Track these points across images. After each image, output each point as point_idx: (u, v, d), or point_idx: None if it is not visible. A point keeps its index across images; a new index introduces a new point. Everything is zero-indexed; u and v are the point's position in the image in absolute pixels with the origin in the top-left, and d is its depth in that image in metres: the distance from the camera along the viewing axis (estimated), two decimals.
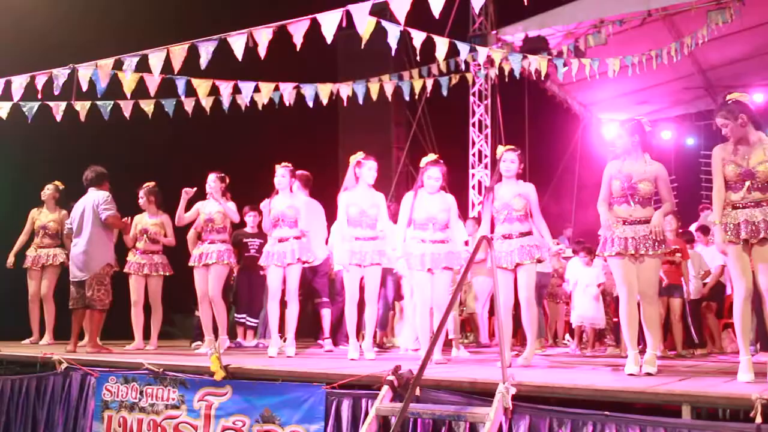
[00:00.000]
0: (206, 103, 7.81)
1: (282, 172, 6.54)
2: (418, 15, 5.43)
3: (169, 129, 8.92)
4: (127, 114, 7.86)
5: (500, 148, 5.75)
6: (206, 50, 5.82)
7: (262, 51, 5.70)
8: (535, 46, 10.99)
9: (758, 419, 3.25)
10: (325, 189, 7.97)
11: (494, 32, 12.04)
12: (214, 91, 7.53)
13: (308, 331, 8.35)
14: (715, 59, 12.66)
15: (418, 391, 4.08)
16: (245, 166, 7.42)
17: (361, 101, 8.80)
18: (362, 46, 5.50)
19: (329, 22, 5.44)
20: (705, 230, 8.47)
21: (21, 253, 8.15)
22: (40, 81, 6.64)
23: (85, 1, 10.26)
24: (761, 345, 7.22)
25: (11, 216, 8.99)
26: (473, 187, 13.04)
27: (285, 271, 6.35)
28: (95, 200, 6.82)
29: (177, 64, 5.99)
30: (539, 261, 5.49)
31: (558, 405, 3.85)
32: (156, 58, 6.01)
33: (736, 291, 4.39)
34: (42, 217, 8.11)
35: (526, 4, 7.09)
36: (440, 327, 3.66)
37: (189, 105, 8.07)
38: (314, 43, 5.61)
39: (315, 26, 5.55)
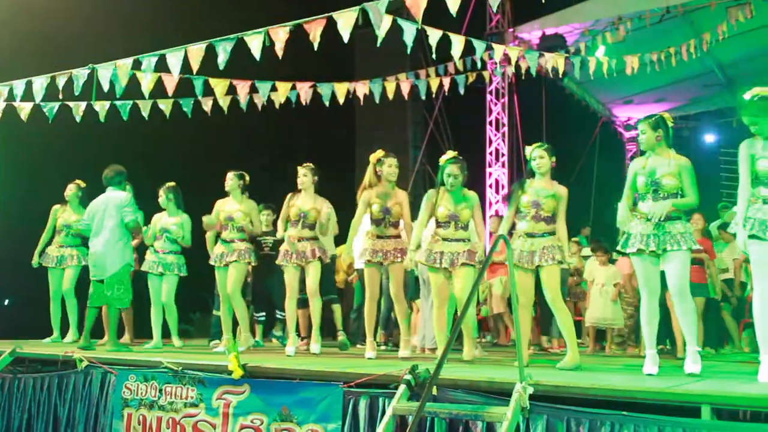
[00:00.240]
0: (224, 102, 7.85)
1: (303, 172, 6.56)
2: (435, 13, 5.41)
3: (186, 128, 8.98)
4: (145, 114, 7.92)
5: (528, 148, 5.60)
6: (224, 50, 5.85)
7: (279, 50, 5.72)
8: (552, 43, 10.95)
9: None
10: (341, 188, 7.99)
11: (511, 30, 12.02)
12: (232, 91, 7.57)
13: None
14: (734, 56, 12.53)
15: (435, 391, 4.07)
16: (261, 166, 7.45)
17: (377, 100, 8.80)
18: (378, 45, 5.49)
19: (345, 20, 5.44)
20: (726, 227, 8.40)
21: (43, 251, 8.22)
22: (61, 82, 6.72)
23: (103, 3, 10.35)
24: None
25: (30, 213, 9.11)
26: (490, 186, 13.02)
27: (305, 270, 6.37)
28: (118, 201, 6.84)
29: (195, 64, 6.03)
30: (560, 263, 5.32)
31: (576, 405, 3.82)
32: (174, 58, 6.05)
33: (757, 290, 4.33)
34: (66, 215, 8.13)
35: (543, 1, 7.06)
36: (456, 325, 3.65)
37: (207, 104, 8.12)
38: (331, 42, 5.62)
39: (332, 25, 5.56)
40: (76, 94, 6.74)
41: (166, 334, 7.60)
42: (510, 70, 11.33)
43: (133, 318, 8.08)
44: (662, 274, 4.75)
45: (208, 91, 7.55)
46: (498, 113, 13.10)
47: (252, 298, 8.28)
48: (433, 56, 6.41)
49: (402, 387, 4.11)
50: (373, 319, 6.21)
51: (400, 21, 5.73)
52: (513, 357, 5.67)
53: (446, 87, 9.39)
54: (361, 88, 8.67)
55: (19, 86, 6.93)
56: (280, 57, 5.70)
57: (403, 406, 4.03)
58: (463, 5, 5.29)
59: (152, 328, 7.51)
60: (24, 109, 7.47)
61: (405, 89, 9.24)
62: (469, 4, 11.16)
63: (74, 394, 5.65)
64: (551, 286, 5.24)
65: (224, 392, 4.95)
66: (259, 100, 8.08)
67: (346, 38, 5.48)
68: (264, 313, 8.28)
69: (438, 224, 5.80)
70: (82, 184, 8.21)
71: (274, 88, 7.82)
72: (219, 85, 7.29)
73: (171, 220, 7.53)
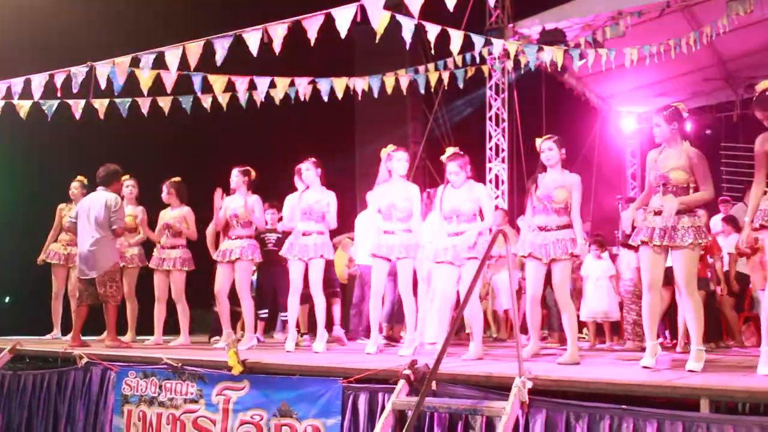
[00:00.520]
0: (223, 99, 7.83)
1: (306, 166, 6.54)
2: (435, 9, 5.40)
3: (186, 125, 8.98)
4: (144, 111, 7.92)
5: (538, 141, 5.57)
6: (222, 46, 5.84)
7: (277, 46, 5.71)
8: (552, 38, 10.90)
9: None
10: (341, 184, 7.98)
11: (511, 25, 11.98)
12: (230, 87, 7.56)
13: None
14: (734, 50, 12.49)
15: (434, 385, 4.07)
16: (261, 162, 7.43)
17: (376, 95, 8.79)
18: (377, 41, 5.48)
19: (343, 16, 5.43)
20: (729, 220, 8.37)
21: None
22: (59, 79, 6.71)
23: (101, 0, 10.34)
24: None
25: (30, 211, 9.12)
26: (490, 181, 13.00)
27: (307, 266, 6.37)
28: (107, 203, 6.84)
29: (193, 61, 6.02)
30: (574, 256, 5.27)
31: (575, 399, 3.82)
32: (172, 55, 6.04)
33: None
34: (71, 213, 8.14)
35: None
36: (455, 320, 3.65)
37: (206, 101, 8.11)
38: (330, 39, 5.61)
39: (330, 21, 5.55)
40: (75, 91, 6.73)
41: (175, 330, 7.59)
42: (510, 65, 11.30)
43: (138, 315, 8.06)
44: (669, 269, 4.72)
45: (207, 88, 7.55)
46: (498, 108, 13.07)
47: (255, 295, 8.29)
48: (432, 52, 6.40)
49: (401, 382, 4.12)
50: (378, 314, 6.20)
51: (398, 17, 5.72)
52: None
53: (446, 82, 9.37)
54: (360, 84, 8.66)
55: (17, 84, 6.92)
56: (278, 53, 5.69)
57: (403, 401, 4.04)
58: (463, 1, 5.28)
59: (154, 324, 7.51)
60: (23, 106, 7.47)
61: (404, 84, 9.22)
62: None
63: (74, 390, 5.67)
64: (561, 281, 5.21)
65: (224, 388, 4.96)
66: (258, 96, 8.07)
67: (343, 34, 5.47)
68: (266, 310, 8.29)
69: (443, 219, 5.78)
70: (86, 181, 8.20)
71: (272, 84, 7.81)
72: (218, 82, 7.29)
73: (174, 215, 7.51)
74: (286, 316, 7.88)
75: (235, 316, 7.54)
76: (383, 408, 4.16)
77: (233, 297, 7.01)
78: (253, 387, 4.86)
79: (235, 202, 6.95)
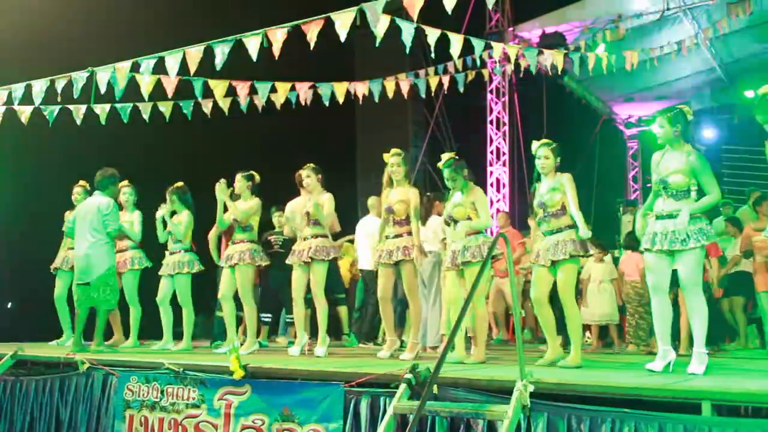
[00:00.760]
0: (223, 103, 7.85)
1: (307, 173, 6.56)
2: (436, 13, 5.41)
3: (187, 130, 9.00)
4: (146, 116, 7.93)
5: (534, 144, 5.54)
6: (222, 51, 5.86)
7: (276, 51, 5.72)
8: (552, 42, 10.93)
9: None
10: (342, 188, 7.99)
11: (511, 29, 12.01)
12: (231, 92, 7.57)
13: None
14: (735, 52, 12.51)
15: (435, 389, 4.07)
16: (262, 167, 7.44)
17: (377, 99, 8.81)
18: (377, 45, 5.49)
19: (343, 21, 5.44)
20: (733, 222, 8.36)
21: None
22: (60, 85, 6.73)
23: (101, 6, 10.37)
24: None
25: (31, 217, 9.13)
26: (491, 185, 13.01)
27: (310, 269, 6.37)
28: (99, 206, 6.85)
29: (193, 66, 6.04)
30: (577, 256, 5.21)
31: (576, 402, 3.82)
32: (172, 60, 6.06)
33: None
34: (70, 218, 8.16)
35: None
36: (456, 324, 3.65)
37: (206, 106, 8.13)
38: (331, 43, 5.62)
39: (330, 25, 5.56)
40: (76, 97, 6.75)
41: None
42: (510, 68, 11.32)
43: (121, 319, 8.03)
44: (675, 272, 4.71)
45: (208, 93, 7.56)
46: (499, 112, 13.09)
47: (259, 299, 8.29)
48: (432, 56, 6.41)
49: (403, 386, 4.11)
50: (387, 318, 6.19)
51: (398, 21, 5.73)
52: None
53: (446, 86, 9.38)
54: (361, 88, 8.67)
55: (18, 90, 6.94)
56: (277, 57, 5.70)
57: (404, 405, 4.03)
58: (463, 5, 5.30)
59: (163, 328, 7.53)
60: (24, 112, 7.49)
61: (404, 88, 9.24)
62: (469, 3, 11.15)
63: (76, 396, 5.66)
64: (565, 283, 5.18)
65: (226, 393, 4.95)
66: (259, 101, 8.09)
67: (343, 38, 5.48)
68: (270, 315, 8.29)
69: (447, 224, 5.83)
70: (88, 186, 8.19)
71: (273, 89, 7.82)
72: (218, 87, 7.30)
73: (174, 220, 7.51)
74: (290, 319, 7.89)
75: (239, 321, 7.53)
76: (385, 412, 4.15)
77: (239, 301, 7.02)
78: (254, 392, 4.85)
79: (239, 207, 6.95)
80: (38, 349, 6.76)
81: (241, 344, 6.62)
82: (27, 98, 7.00)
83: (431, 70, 10.14)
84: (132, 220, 7.71)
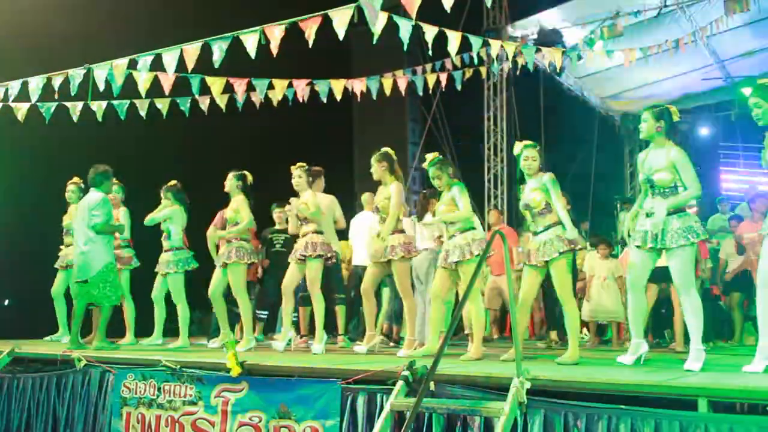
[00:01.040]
0: (221, 100, 7.84)
1: (298, 173, 6.58)
2: (433, 10, 5.41)
3: (185, 127, 8.99)
4: (143, 113, 7.92)
5: (518, 145, 5.55)
6: (219, 48, 5.85)
7: (274, 48, 5.72)
8: (549, 39, 10.93)
9: None
10: (340, 185, 7.99)
11: (508, 26, 12.00)
12: (228, 89, 7.56)
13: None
14: (732, 50, 12.51)
15: (432, 386, 4.07)
16: (259, 164, 7.44)
17: (374, 96, 8.81)
18: (374, 42, 5.49)
19: (341, 18, 5.44)
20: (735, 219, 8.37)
21: None
22: (57, 82, 6.72)
23: (99, 3, 10.34)
24: None
25: (27, 214, 9.11)
26: (489, 181, 13.01)
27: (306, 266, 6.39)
28: (89, 203, 6.88)
29: (190, 63, 6.03)
30: (567, 251, 5.19)
31: (573, 399, 3.82)
32: (170, 57, 6.05)
33: None
34: (66, 217, 8.19)
35: None
36: (453, 320, 3.65)
37: (204, 103, 8.12)
38: (328, 40, 5.62)
39: (327, 23, 5.56)
40: (73, 94, 6.74)
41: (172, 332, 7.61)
42: (507, 65, 11.31)
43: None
44: (667, 268, 4.74)
45: (206, 90, 7.55)
46: (496, 108, 13.09)
47: (257, 296, 8.29)
48: (430, 53, 6.41)
49: (400, 383, 4.11)
50: (367, 312, 6.23)
51: (395, 18, 5.73)
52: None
53: (443, 83, 9.38)
54: (358, 85, 8.67)
55: (15, 86, 6.93)
56: (275, 55, 5.70)
57: (401, 402, 4.04)
58: (461, 2, 5.30)
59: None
60: (20, 109, 7.48)
61: (402, 86, 9.23)
62: (467, 0, 11.15)
63: (73, 393, 5.66)
64: (560, 280, 5.19)
65: (223, 390, 4.96)
66: (257, 98, 8.08)
67: (341, 36, 5.48)
68: (266, 312, 8.29)
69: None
70: (81, 184, 8.18)
71: (271, 86, 7.82)
72: (216, 84, 7.29)
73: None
74: (295, 317, 7.93)
75: (235, 318, 7.54)
76: (382, 409, 4.16)
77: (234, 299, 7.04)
78: (251, 388, 4.85)
79: (229, 206, 7.00)
80: (35, 347, 6.75)
81: (237, 341, 6.62)
82: (23, 95, 6.99)
83: (429, 67, 10.14)
84: (117, 217, 7.74)
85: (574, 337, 5.17)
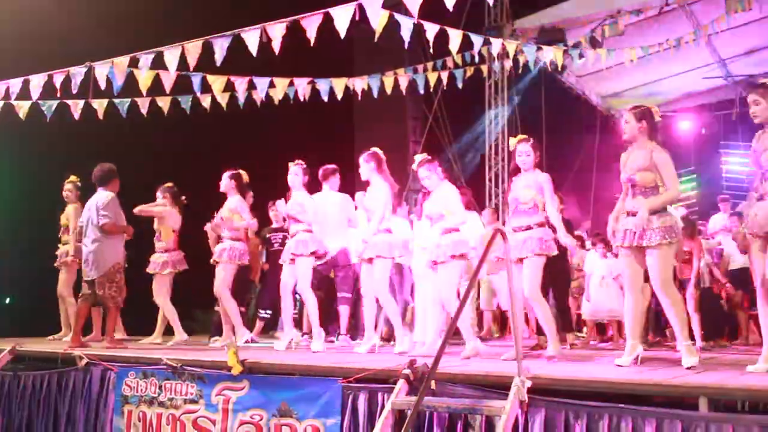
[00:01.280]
0: (222, 99, 7.84)
1: (295, 170, 6.59)
2: (435, 9, 5.40)
3: (185, 125, 8.99)
4: (144, 111, 7.92)
5: (513, 140, 5.59)
6: (221, 46, 5.85)
7: (276, 46, 5.71)
8: (551, 37, 10.91)
9: None
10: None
11: (510, 24, 11.99)
12: (230, 87, 7.56)
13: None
14: (734, 49, 12.50)
15: (433, 385, 4.07)
16: (260, 162, 7.46)
17: (375, 95, 8.80)
18: (375, 40, 5.49)
19: (342, 16, 5.44)
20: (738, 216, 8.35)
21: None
22: (58, 80, 6.72)
23: (100, 1, 10.34)
24: None
25: (30, 212, 9.11)
26: (490, 180, 13.00)
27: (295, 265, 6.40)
28: (97, 202, 6.88)
29: (192, 61, 6.03)
30: (544, 255, 5.26)
31: (574, 398, 3.82)
32: (171, 55, 6.05)
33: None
34: (63, 216, 8.22)
35: None
36: (454, 320, 3.65)
37: (205, 101, 8.12)
38: (329, 39, 5.62)
39: (329, 21, 5.55)
40: (74, 92, 6.74)
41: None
42: (508, 63, 11.31)
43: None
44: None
45: (207, 88, 7.55)
46: (497, 107, 13.07)
47: (259, 295, 8.30)
48: (431, 51, 6.41)
49: (401, 382, 4.12)
50: (365, 313, 6.23)
51: (396, 16, 5.73)
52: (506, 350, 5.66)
53: (444, 82, 9.38)
54: (360, 84, 8.66)
55: (16, 84, 6.93)
56: (277, 53, 5.70)
57: (402, 401, 4.04)
58: (461, 0, 5.30)
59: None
60: (22, 107, 7.48)
61: (403, 84, 9.23)
62: None
63: (74, 391, 5.66)
64: (529, 277, 5.21)
65: (224, 388, 4.96)
66: (258, 96, 8.08)
67: (342, 34, 5.48)
68: (269, 311, 8.29)
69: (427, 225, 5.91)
70: (79, 182, 8.19)
71: (272, 85, 7.82)
72: (217, 82, 7.29)
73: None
74: (294, 314, 7.94)
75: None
76: (383, 408, 4.16)
77: (236, 297, 7.07)
78: (252, 387, 4.86)
79: (225, 205, 7.04)
80: (37, 345, 6.76)
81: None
82: (24, 93, 6.99)
83: (430, 65, 10.13)
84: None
85: (552, 333, 5.27)
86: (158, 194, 7.64)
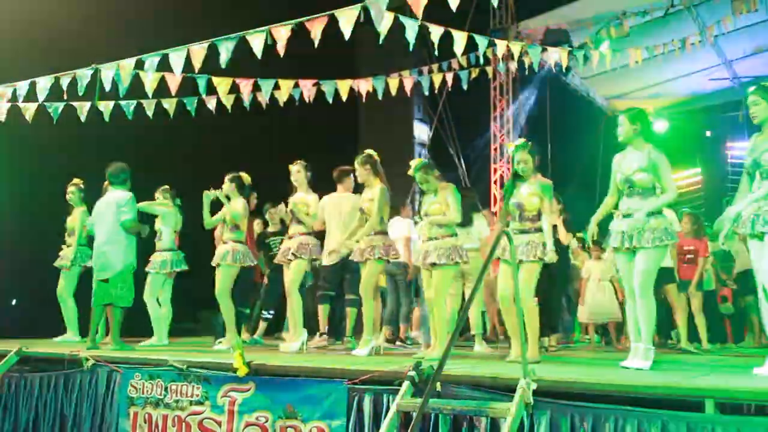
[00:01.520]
0: (227, 101, 7.86)
1: (297, 168, 6.62)
2: (439, 10, 5.41)
3: (191, 127, 9.00)
4: (149, 113, 7.95)
5: (510, 147, 5.59)
6: (226, 48, 5.87)
7: (281, 49, 5.73)
8: (556, 39, 10.91)
9: None
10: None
11: (515, 26, 11.99)
12: (235, 89, 7.58)
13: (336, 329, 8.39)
14: (740, 50, 12.48)
15: (438, 387, 4.07)
16: (264, 164, 7.47)
17: (380, 96, 8.81)
18: (380, 42, 5.49)
19: (347, 18, 5.44)
20: None
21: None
22: (64, 82, 6.74)
23: (106, 3, 10.37)
24: None
25: (35, 214, 9.13)
26: (495, 182, 13.00)
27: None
28: (117, 200, 6.88)
29: (197, 63, 6.05)
30: (542, 259, 5.26)
31: (579, 400, 3.82)
32: (177, 57, 6.07)
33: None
34: (70, 219, 8.24)
35: None
36: (459, 321, 3.65)
37: (210, 103, 8.14)
38: (334, 40, 5.63)
39: (334, 23, 5.56)
40: (80, 94, 6.76)
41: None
42: (513, 65, 11.31)
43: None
44: (662, 269, 4.74)
45: (212, 90, 7.57)
46: (502, 108, 13.08)
47: (263, 296, 8.30)
48: (436, 53, 6.41)
49: (406, 383, 4.12)
50: (366, 315, 6.21)
51: (401, 18, 5.73)
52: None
53: (449, 83, 9.37)
54: (364, 85, 8.67)
55: (23, 87, 6.95)
56: (282, 55, 5.71)
57: (408, 403, 4.04)
58: (466, 2, 5.30)
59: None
60: (28, 109, 7.50)
61: (408, 86, 9.23)
62: (473, 0, 11.14)
63: (80, 392, 5.68)
64: (523, 281, 5.18)
65: (229, 390, 4.96)
66: (263, 98, 8.10)
67: (347, 36, 5.49)
68: (272, 312, 8.30)
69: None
70: (82, 185, 8.22)
71: (277, 87, 7.83)
72: (222, 84, 7.31)
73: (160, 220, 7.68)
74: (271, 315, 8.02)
75: (243, 318, 7.63)
76: (388, 409, 4.16)
77: (240, 298, 7.08)
78: (258, 389, 4.86)
79: (226, 208, 7.03)
80: (42, 346, 6.78)
81: (244, 342, 6.68)
82: (31, 95, 7.01)
83: (435, 67, 10.13)
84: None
85: (533, 336, 5.25)
86: (157, 196, 7.68)
